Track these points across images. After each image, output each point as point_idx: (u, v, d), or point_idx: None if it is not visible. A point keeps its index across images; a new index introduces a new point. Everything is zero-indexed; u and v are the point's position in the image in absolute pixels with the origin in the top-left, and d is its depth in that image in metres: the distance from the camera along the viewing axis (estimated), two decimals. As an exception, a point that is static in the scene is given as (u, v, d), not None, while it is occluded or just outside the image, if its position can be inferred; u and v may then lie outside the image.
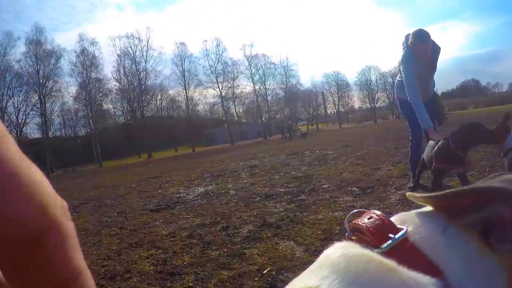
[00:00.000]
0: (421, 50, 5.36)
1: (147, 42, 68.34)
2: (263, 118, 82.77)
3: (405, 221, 0.63)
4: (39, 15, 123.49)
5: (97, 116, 65.72)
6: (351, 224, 0.65)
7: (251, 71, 78.53)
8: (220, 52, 74.80)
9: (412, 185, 5.65)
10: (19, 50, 57.31)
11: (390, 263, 0.54)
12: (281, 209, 5.46)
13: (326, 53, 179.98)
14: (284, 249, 3.70)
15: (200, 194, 7.93)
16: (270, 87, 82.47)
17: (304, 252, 3.56)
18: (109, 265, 3.95)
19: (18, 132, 64.19)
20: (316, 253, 3.42)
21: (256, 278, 3.07)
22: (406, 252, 0.57)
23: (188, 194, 8.19)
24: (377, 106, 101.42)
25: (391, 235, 0.58)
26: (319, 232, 4.09)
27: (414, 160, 5.82)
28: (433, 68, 5.66)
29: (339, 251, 0.58)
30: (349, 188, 6.35)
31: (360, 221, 0.63)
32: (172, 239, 4.64)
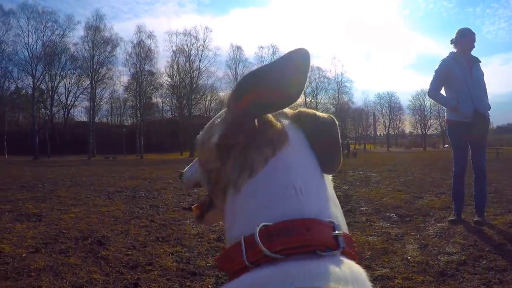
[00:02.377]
0: (466, 42, 5.58)
1: (204, 42, 69.04)
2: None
3: None
4: (101, 2, 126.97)
5: (145, 108, 66.57)
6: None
7: (305, 83, 78.27)
8: (275, 60, 75.09)
9: (454, 218, 5.47)
10: (78, 33, 59.06)
11: None
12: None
13: (382, 72, 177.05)
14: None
15: (235, 199, 7.84)
16: (321, 101, 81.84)
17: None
18: (133, 255, 3.95)
19: (66, 113, 66.25)
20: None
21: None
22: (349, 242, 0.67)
23: (224, 198, 8.11)
24: (428, 133, 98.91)
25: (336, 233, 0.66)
26: (349, 255, 3.93)
27: (456, 193, 5.62)
28: (477, 75, 5.55)
29: None
30: (387, 213, 6.19)
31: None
32: (199, 240, 4.61)
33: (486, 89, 5.69)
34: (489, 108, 5.61)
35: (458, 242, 4.48)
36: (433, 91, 5.70)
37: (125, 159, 48.14)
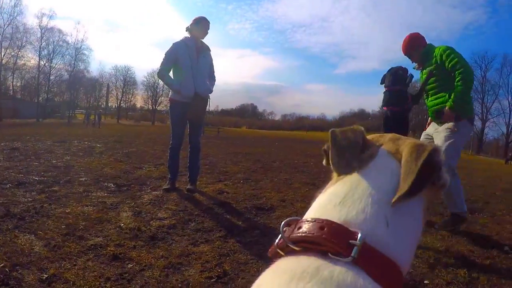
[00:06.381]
0: (199, 30, 5.92)
1: None
2: (41, 98, 75.86)
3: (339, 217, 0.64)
4: None
5: None
6: (292, 237, 0.64)
7: (41, 44, 71.55)
8: (15, 14, 65.83)
9: (168, 187, 5.93)
10: None
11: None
12: (30, 199, 4.96)
13: (126, 46, 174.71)
14: (22, 243, 3.33)
15: None
16: (56, 66, 76.06)
17: (43, 247, 3.28)
18: None
19: None
20: (56, 248, 3.24)
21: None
22: (370, 256, 0.58)
23: None
24: (158, 109, 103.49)
25: (352, 242, 0.59)
26: (63, 226, 3.87)
27: (171, 164, 6.10)
28: (203, 61, 6.00)
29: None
30: (106, 183, 6.25)
31: (309, 233, 0.62)
32: None
33: (214, 75, 6.22)
34: (210, 92, 6.13)
35: (170, 208, 4.85)
36: (161, 71, 5.92)
37: None
